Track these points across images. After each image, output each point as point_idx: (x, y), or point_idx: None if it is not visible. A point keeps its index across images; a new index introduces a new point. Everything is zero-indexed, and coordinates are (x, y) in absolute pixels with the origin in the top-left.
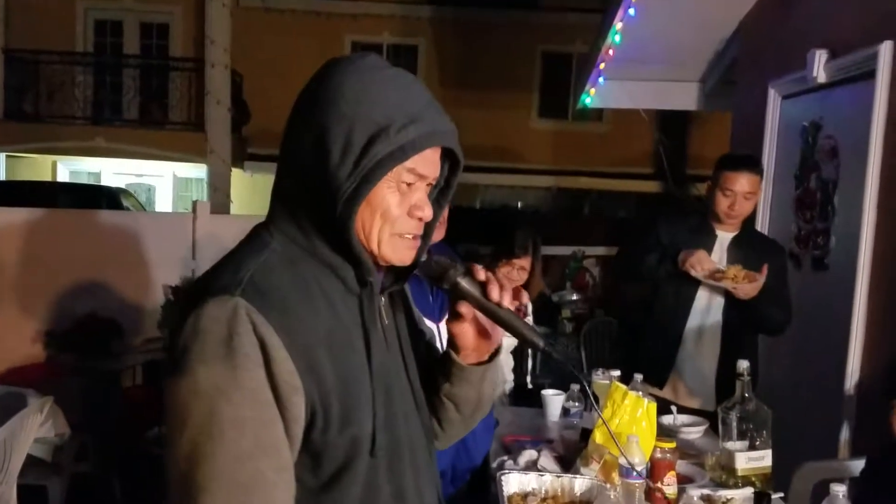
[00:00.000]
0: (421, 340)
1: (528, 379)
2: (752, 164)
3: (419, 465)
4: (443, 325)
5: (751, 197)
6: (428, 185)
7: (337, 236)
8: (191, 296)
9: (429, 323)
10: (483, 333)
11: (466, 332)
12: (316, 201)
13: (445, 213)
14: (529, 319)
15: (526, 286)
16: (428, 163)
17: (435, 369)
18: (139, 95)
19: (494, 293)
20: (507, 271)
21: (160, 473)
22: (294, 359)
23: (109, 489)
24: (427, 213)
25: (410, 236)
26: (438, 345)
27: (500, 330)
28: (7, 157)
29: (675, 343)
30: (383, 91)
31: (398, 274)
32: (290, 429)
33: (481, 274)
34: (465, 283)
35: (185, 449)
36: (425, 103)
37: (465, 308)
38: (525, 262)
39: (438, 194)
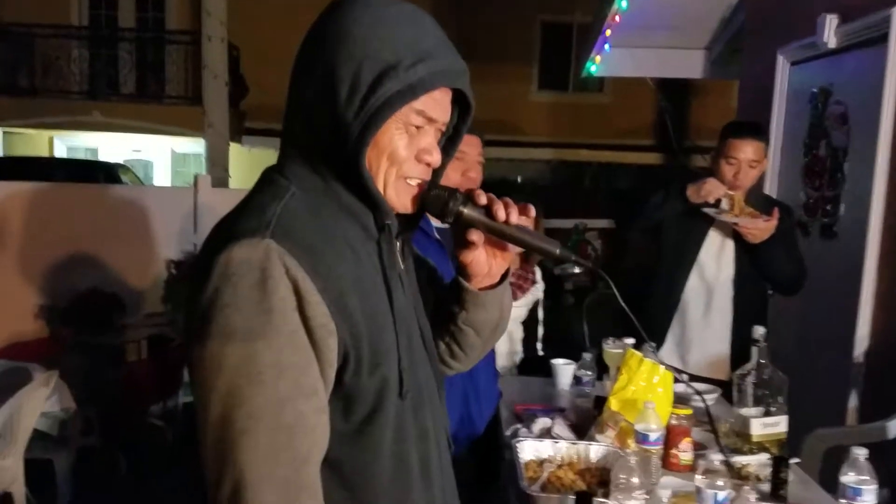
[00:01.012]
0: (424, 276)
1: (539, 346)
2: (756, 131)
3: (435, 405)
4: None
5: (756, 165)
6: (438, 130)
7: (352, 179)
8: (215, 241)
9: None
10: (494, 256)
11: (480, 258)
12: (326, 143)
13: (478, 182)
14: (539, 287)
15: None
16: (438, 105)
17: (448, 300)
18: (135, 69)
19: (501, 212)
20: None
21: (163, 447)
22: (327, 302)
23: (115, 462)
24: (435, 158)
25: (416, 182)
26: None
27: (511, 248)
28: (4, 133)
29: (675, 302)
30: (393, 28)
31: (405, 221)
32: (324, 372)
33: (482, 198)
34: (468, 210)
35: (223, 392)
36: (437, 41)
37: (475, 235)
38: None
39: (446, 143)
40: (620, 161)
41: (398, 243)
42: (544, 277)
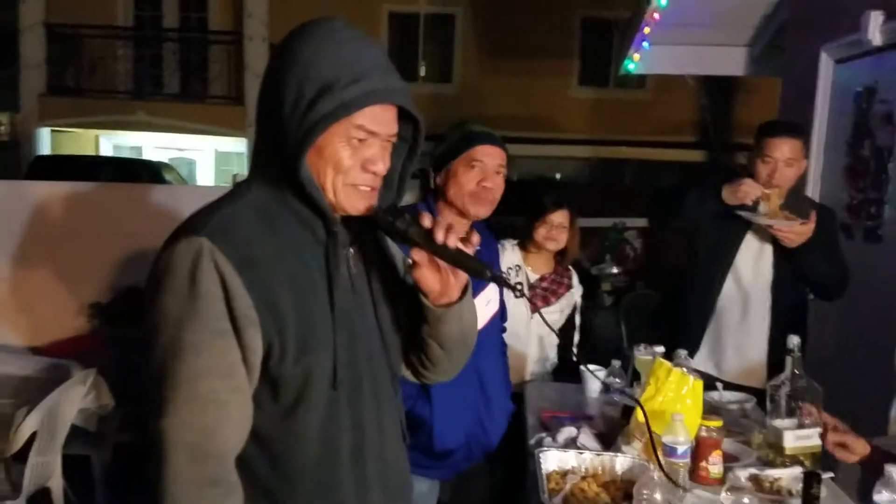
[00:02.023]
0: (404, 290)
1: (574, 351)
2: (792, 129)
3: (381, 399)
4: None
5: (793, 164)
6: (386, 141)
7: (302, 188)
8: (171, 235)
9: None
10: (449, 274)
11: (426, 277)
12: (278, 155)
13: (497, 191)
14: (576, 291)
15: (563, 250)
16: (377, 120)
17: (414, 312)
18: (179, 69)
19: (439, 235)
20: (546, 231)
21: None
22: (252, 295)
23: None
24: (379, 167)
25: (366, 188)
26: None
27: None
28: (52, 131)
29: (710, 307)
30: (334, 51)
31: (362, 231)
32: (247, 358)
33: (426, 220)
34: (412, 231)
35: (154, 365)
36: (374, 63)
37: (417, 255)
38: (561, 217)
39: (409, 152)
40: (661, 158)
41: (350, 250)
42: (582, 277)
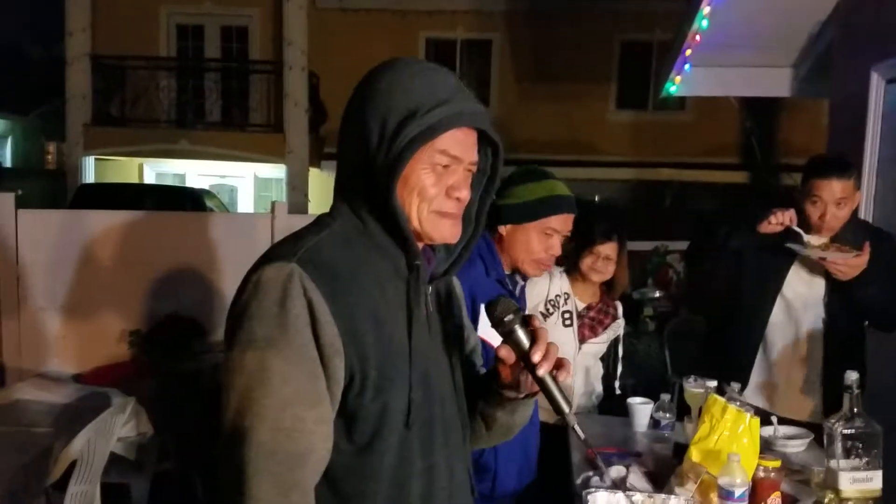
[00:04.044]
0: (467, 343)
1: (617, 384)
2: (842, 167)
3: (452, 445)
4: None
5: (844, 203)
6: (467, 169)
7: (388, 220)
8: (256, 263)
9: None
10: (528, 378)
11: (505, 370)
12: (364, 188)
13: (553, 255)
14: (620, 322)
15: (611, 282)
16: (460, 145)
17: (475, 383)
18: (221, 98)
19: (535, 356)
20: (592, 262)
21: None
22: (338, 324)
23: (191, 488)
24: (464, 193)
25: (451, 215)
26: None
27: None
28: (96, 160)
29: (758, 339)
30: (412, 81)
31: (441, 269)
32: (331, 388)
33: (537, 328)
34: (519, 332)
35: (238, 391)
36: (453, 89)
37: (504, 352)
38: (609, 249)
39: (487, 182)
40: (704, 180)
41: (430, 288)
42: (623, 303)
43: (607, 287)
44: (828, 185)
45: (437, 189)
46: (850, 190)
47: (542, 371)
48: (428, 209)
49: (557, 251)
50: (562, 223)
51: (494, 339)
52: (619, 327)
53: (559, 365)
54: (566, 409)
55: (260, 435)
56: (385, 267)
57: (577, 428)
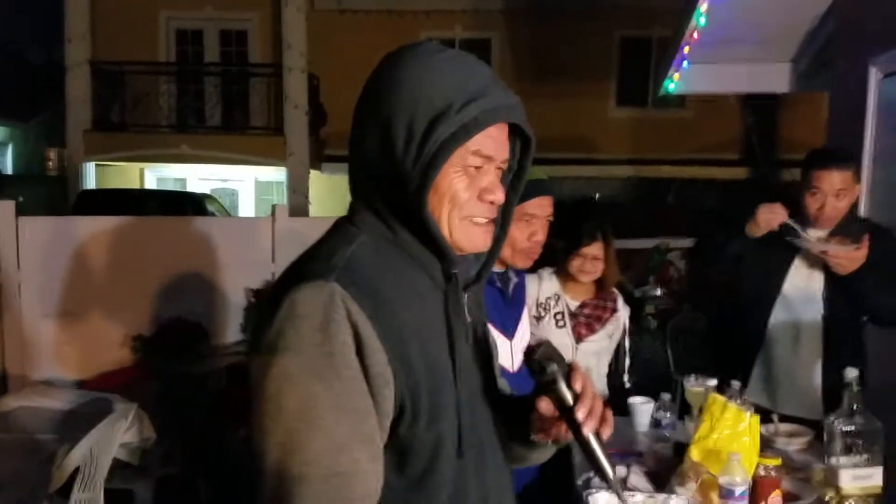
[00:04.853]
0: (493, 352)
1: (626, 377)
2: (841, 158)
3: (501, 468)
4: (516, 341)
5: (843, 194)
6: (498, 168)
7: (418, 227)
8: (285, 281)
9: (500, 338)
10: (561, 427)
11: (541, 422)
12: (390, 193)
13: (544, 239)
14: (621, 314)
15: (602, 278)
16: (494, 143)
17: (502, 406)
18: (221, 102)
19: (580, 413)
20: (580, 264)
21: (246, 475)
22: (386, 349)
23: (196, 492)
24: (498, 196)
25: (483, 220)
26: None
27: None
28: (97, 165)
29: (759, 337)
30: (441, 74)
31: (473, 276)
32: (380, 422)
33: (578, 384)
34: (562, 386)
35: (280, 436)
36: (486, 80)
37: (545, 406)
38: (595, 249)
39: (513, 179)
40: (705, 176)
41: (465, 296)
42: (625, 300)
43: (598, 284)
44: (827, 175)
45: (469, 193)
46: (849, 181)
47: (588, 430)
48: (459, 216)
49: (541, 237)
50: (537, 207)
51: (505, 358)
52: (621, 318)
53: (603, 420)
54: (611, 474)
55: (313, 485)
56: (421, 278)
57: (620, 494)
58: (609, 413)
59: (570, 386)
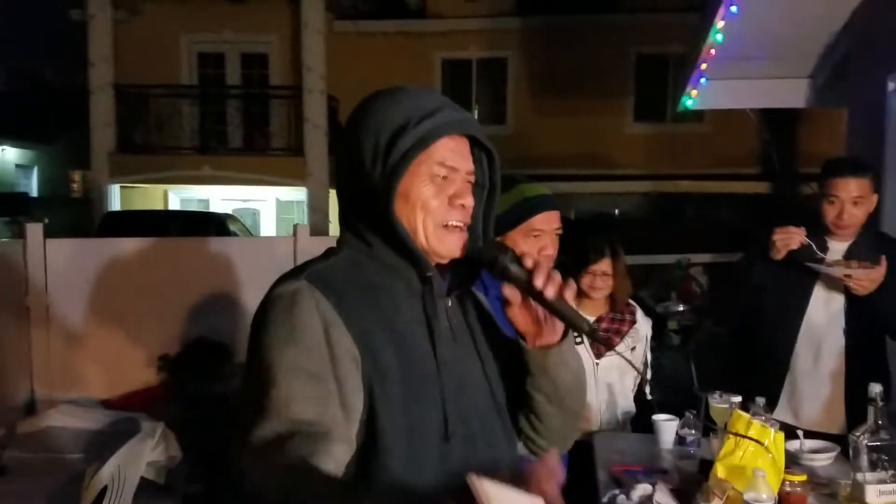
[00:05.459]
0: (505, 346)
1: (647, 389)
2: (858, 166)
3: (500, 460)
4: None
5: (861, 202)
6: (466, 179)
7: (394, 238)
8: (271, 286)
9: None
10: (546, 316)
11: (518, 316)
12: (363, 208)
13: (554, 254)
14: (641, 326)
15: (613, 293)
16: (454, 154)
17: (517, 365)
18: (242, 124)
19: (538, 281)
20: (590, 281)
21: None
22: (353, 335)
23: None
24: (468, 200)
25: (457, 225)
26: None
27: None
28: (121, 187)
29: (786, 357)
30: (400, 101)
31: (462, 278)
32: (347, 398)
33: (529, 261)
34: (513, 268)
35: (254, 388)
36: (440, 101)
37: (509, 292)
38: (604, 265)
39: (488, 195)
40: (724, 191)
41: (449, 301)
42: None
43: (611, 299)
44: (844, 183)
45: (438, 200)
46: (866, 188)
47: (550, 293)
48: (433, 223)
49: (551, 251)
50: (544, 222)
51: None
52: (642, 330)
53: (564, 283)
54: (585, 325)
55: (274, 425)
56: (398, 286)
57: (598, 338)
58: (568, 279)
59: (522, 267)
